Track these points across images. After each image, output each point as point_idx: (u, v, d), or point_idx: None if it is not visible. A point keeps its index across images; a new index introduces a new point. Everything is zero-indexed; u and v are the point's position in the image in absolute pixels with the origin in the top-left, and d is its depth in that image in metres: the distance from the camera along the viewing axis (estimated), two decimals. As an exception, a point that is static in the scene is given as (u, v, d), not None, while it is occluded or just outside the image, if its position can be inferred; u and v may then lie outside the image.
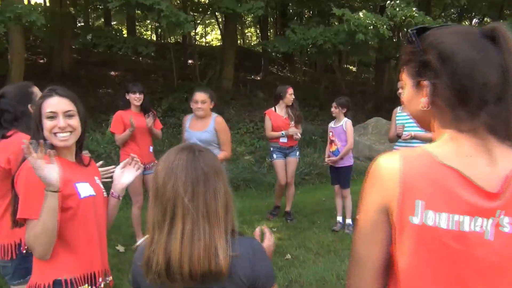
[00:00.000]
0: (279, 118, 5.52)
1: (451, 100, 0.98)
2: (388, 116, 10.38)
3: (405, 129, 4.45)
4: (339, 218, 5.38)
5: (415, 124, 4.41)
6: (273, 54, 16.64)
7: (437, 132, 1.04)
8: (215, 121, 4.32)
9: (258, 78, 14.77)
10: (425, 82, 1.01)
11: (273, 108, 5.63)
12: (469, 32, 1.01)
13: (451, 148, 0.97)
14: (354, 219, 5.38)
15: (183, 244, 1.21)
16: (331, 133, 5.27)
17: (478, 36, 0.99)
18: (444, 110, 1.01)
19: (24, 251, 2.24)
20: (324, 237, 5.03)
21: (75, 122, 1.83)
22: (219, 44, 22.24)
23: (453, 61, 0.97)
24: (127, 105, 4.60)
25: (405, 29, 9.51)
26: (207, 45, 22.43)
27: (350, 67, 20.11)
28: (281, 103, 5.54)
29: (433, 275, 0.95)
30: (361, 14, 8.23)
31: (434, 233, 0.93)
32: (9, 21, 7.09)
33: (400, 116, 4.64)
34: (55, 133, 1.78)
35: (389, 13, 8.40)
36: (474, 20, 16.58)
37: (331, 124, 5.35)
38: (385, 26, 8.15)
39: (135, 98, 4.54)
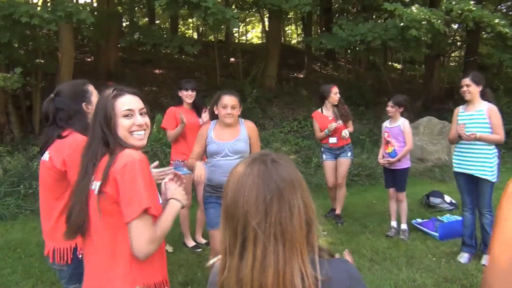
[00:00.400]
0: (325, 119, 5.37)
1: None
2: (438, 115, 9.99)
3: (467, 129, 4.13)
4: (393, 223, 5.11)
5: (478, 125, 4.12)
6: (316, 51, 16.41)
7: None
8: (247, 126, 3.50)
9: (301, 76, 14.52)
10: None
11: (319, 110, 5.51)
12: None
13: None
14: (409, 224, 5.12)
15: (254, 271, 1.04)
16: (386, 134, 5.00)
17: None
18: None
19: (80, 256, 2.17)
20: (378, 243, 4.78)
21: (148, 120, 1.76)
22: (260, 42, 22.14)
23: None
24: (179, 102, 4.56)
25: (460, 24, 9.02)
26: (248, 42, 22.34)
27: (395, 65, 19.47)
28: (327, 103, 5.38)
29: None
30: (414, 8, 7.84)
31: None
32: (60, 20, 7.21)
33: (463, 115, 4.31)
34: (131, 132, 1.69)
35: (444, 7, 7.95)
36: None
37: (386, 124, 5.09)
38: (439, 21, 7.72)
39: (187, 95, 4.49)
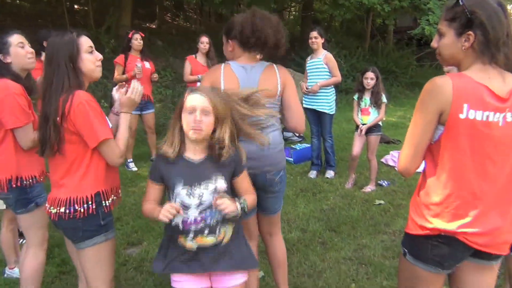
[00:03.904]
0: (198, 64, 5.88)
1: (486, 44, 1.51)
2: (283, 64, 11.18)
3: (313, 77, 5.25)
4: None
5: (319, 70, 5.22)
6: (165, 1, 16.31)
7: (468, 65, 1.56)
8: None
9: (154, 27, 14.49)
10: (471, 32, 1.51)
11: (194, 55, 5.99)
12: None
13: (481, 73, 1.53)
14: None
15: None
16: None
17: (497, 4, 1.53)
18: (479, 51, 1.52)
19: (20, 184, 2.46)
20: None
21: None
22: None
23: (493, 19, 1.49)
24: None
25: None
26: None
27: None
28: (199, 52, 5.95)
29: (469, 148, 1.53)
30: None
31: (473, 123, 1.50)
32: None
33: (310, 63, 5.38)
34: (96, 66, 2.16)
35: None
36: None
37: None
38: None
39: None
